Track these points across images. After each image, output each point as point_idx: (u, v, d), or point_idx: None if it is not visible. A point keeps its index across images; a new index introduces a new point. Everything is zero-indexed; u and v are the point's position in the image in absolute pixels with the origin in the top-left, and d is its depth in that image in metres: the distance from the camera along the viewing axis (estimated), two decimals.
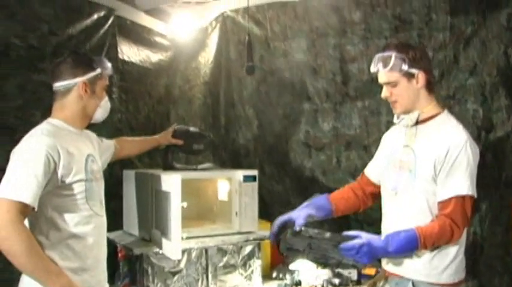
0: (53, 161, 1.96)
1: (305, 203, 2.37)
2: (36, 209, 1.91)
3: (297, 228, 2.17)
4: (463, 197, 2.05)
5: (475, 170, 2.09)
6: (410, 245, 2.03)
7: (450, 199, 2.05)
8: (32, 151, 1.96)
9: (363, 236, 2.05)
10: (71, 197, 2.05)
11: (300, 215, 2.28)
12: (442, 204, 2.07)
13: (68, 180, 2.02)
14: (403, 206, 2.18)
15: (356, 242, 2.03)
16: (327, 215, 2.40)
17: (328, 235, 2.15)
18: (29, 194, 1.87)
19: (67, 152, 2.03)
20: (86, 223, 2.09)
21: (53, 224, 2.01)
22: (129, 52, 3.44)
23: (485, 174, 2.87)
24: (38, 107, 2.63)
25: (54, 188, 1.99)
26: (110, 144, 2.57)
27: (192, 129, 3.10)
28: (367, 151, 3.32)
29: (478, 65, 2.92)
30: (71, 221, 2.05)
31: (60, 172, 1.99)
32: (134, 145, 2.85)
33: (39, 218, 1.99)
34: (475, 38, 2.92)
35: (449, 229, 2.03)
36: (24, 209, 1.87)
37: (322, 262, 2.40)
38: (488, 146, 2.91)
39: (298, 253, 2.17)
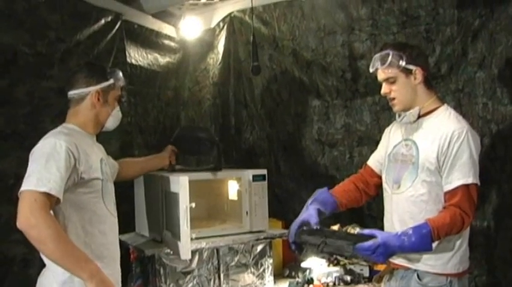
0: (73, 157, 2.02)
1: (310, 200, 2.39)
2: (61, 201, 1.96)
3: (314, 227, 2.24)
4: (467, 186, 2.09)
5: (477, 158, 2.13)
6: (425, 239, 2.03)
7: (456, 189, 2.09)
8: (52, 147, 2.01)
9: (378, 236, 2.05)
10: (88, 195, 2.11)
11: (311, 214, 2.30)
12: (449, 194, 2.11)
13: (87, 176, 2.09)
14: (407, 199, 2.21)
15: (372, 243, 2.03)
16: (333, 209, 2.42)
17: (343, 233, 2.23)
18: (53, 185, 1.92)
19: (84, 151, 2.10)
20: (101, 221, 2.16)
21: (70, 222, 2.06)
22: (137, 56, 3.47)
23: (497, 167, 2.87)
24: (47, 113, 2.68)
25: (73, 185, 2.04)
26: (114, 163, 2.61)
27: (196, 128, 3.12)
28: None
29: (486, 58, 2.89)
30: (88, 219, 2.11)
31: (79, 168, 2.05)
32: (136, 165, 2.86)
33: (57, 216, 2.03)
34: (483, 30, 2.89)
35: (460, 219, 2.06)
36: (49, 200, 1.91)
37: (337, 254, 2.50)
38: (499, 139, 2.88)
39: (313, 248, 2.21)
